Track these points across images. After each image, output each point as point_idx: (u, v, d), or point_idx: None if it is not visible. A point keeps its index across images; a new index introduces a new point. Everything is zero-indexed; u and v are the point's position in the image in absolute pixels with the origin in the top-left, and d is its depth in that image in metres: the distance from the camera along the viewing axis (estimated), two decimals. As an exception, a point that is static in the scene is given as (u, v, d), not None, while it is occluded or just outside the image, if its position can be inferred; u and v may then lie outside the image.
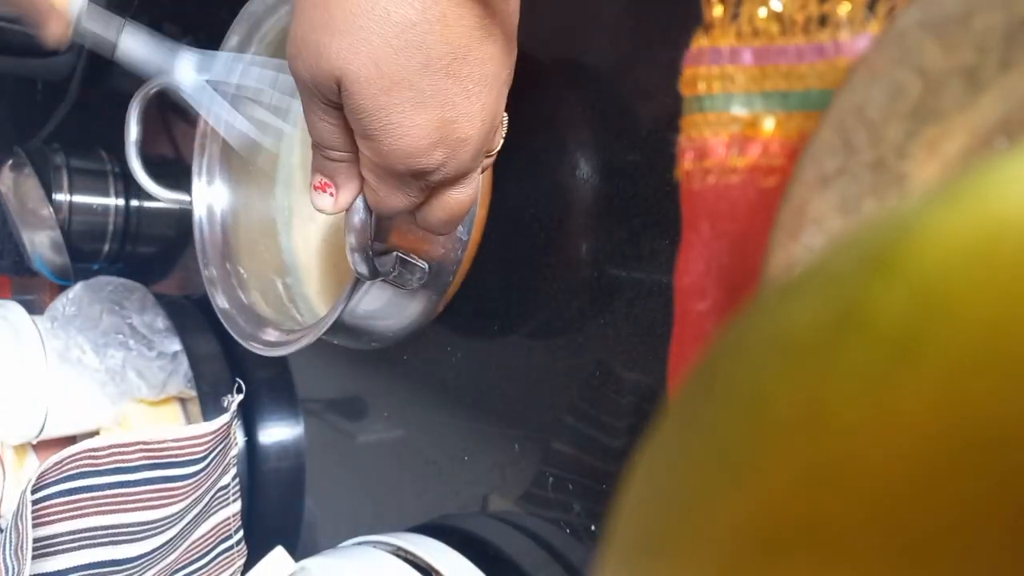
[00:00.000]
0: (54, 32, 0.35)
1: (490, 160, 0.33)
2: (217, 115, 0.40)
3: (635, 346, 0.36)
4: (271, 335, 0.46)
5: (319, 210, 0.32)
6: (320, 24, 0.26)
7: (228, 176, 0.53)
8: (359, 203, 0.32)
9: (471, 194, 0.32)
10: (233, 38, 0.48)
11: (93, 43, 0.35)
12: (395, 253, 0.38)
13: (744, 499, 0.10)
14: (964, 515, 0.09)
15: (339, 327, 0.40)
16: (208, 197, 0.53)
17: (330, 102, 0.28)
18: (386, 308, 0.42)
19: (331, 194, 0.31)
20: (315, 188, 0.32)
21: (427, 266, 0.40)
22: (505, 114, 0.31)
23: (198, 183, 0.53)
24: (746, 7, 0.23)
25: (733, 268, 0.23)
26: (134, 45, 0.35)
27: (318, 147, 0.30)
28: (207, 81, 0.38)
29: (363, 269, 0.35)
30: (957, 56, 0.18)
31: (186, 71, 0.37)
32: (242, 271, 0.51)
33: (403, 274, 0.39)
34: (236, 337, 0.47)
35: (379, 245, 0.36)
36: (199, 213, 0.52)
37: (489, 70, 0.27)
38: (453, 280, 0.42)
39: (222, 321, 0.49)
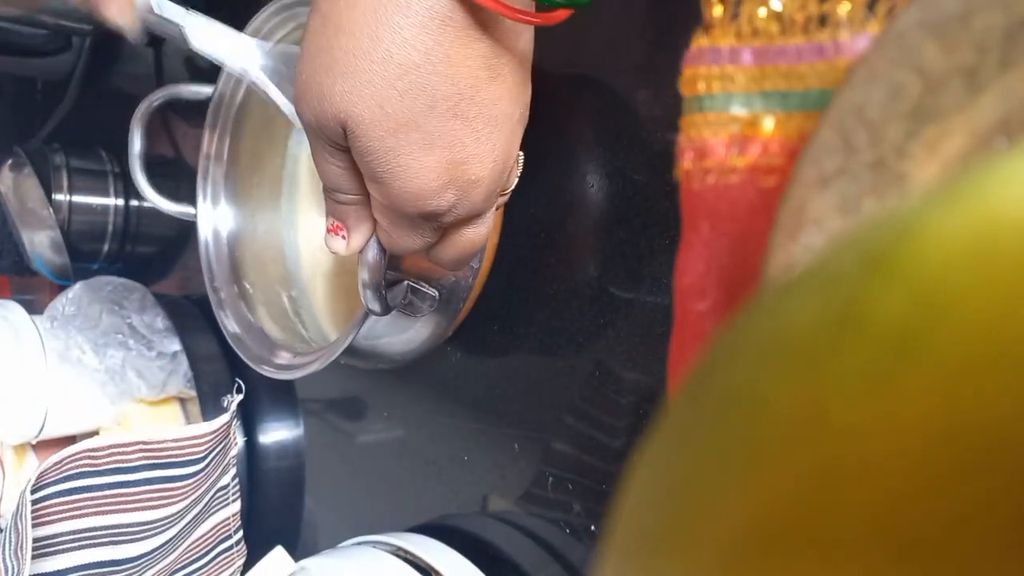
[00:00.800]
0: (119, 17, 0.34)
1: (504, 199, 0.32)
2: (286, 95, 0.40)
3: (635, 346, 0.36)
4: (282, 358, 0.46)
5: (333, 252, 0.32)
6: (323, 67, 0.26)
7: (233, 192, 0.53)
8: (373, 241, 0.32)
9: (484, 233, 0.31)
10: (258, 23, 0.47)
11: (161, 31, 0.34)
12: (406, 282, 0.38)
13: (744, 500, 0.10)
14: (965, 516, 0.09)
15: (348, 351, 0.40)
16: (213, 216, 0.53)
17: (337, 145, 0.28)
18: (395, 335, 0.42)
19: (343, 236, 0.31)
20: (328, 231, 0.32)
21: (438, 294, 0.39)
22: (521, 152, 0.30)
23: (203, 204, 0.52)
24: (746, 7, 0.23)
25: (733, 268, 0.23)
26: (202, 33, 0.35)
27: (328, 190, 0.30)
28: (270, 65, 0.37)
29: (375, 306, 0.35)
30: (957, 56, 0.18)
31: (255, 55, 0.37)
32: (248, 287, 0.51)
33: (414, 303, 0.39)
34: (247, 361, 0.47)
35: (391, 274, 0.36)
36: (204, 234, 0.52)
37: (499, 111, 0.27)
38: (463, 307, 0.42)
39: (232, 345, 0.49)
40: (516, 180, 0.31)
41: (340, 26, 0.25)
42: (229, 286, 0.51)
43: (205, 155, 0.52)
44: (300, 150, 0.53)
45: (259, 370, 0.46)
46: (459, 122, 0.26)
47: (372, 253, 0.32)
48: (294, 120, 0.38)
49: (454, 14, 0.24)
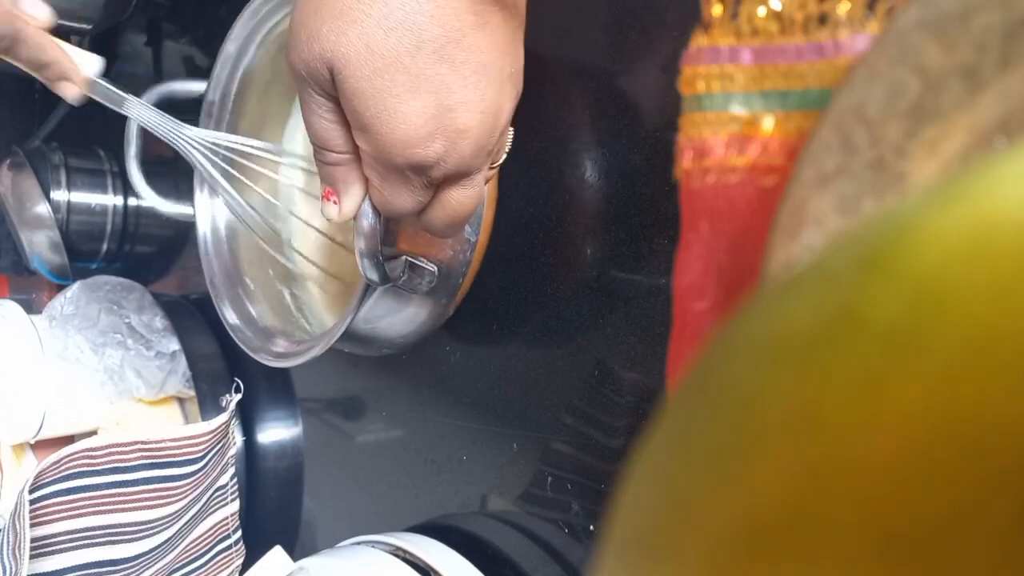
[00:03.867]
0: (71, 92, 0.39)
1: (493, 172, 0.32)
2: (215, 182, 0.43)
3: (634, 346, 0.36)
4: (280, 346, 0.46)
5: (327, 219, 0.32)
6: (312, 10, 0.26)
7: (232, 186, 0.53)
8: (367, 207, 0.32)
9: (475, 196, 0.31)
10: (230, 45, 0.48)
11: (104, 100, 0.40)
12: (404, 257, 0.38)
13: (737, 498, 0.10)
14: (958, 515, 0.08)
15: (349, 335, 0.40)
16: (211, 212, 0.52)
17: (325, 93, 0.28)
18: (395, 314, 0.42)
19: (335, 202, 0.31)
20: (323, 198, 0.32)
21: (436, 269, 0.39)
22: (511, 127, 0.30)
23: (200, 197, 0.52)
24: (745, 6, 0.23)
25: (732, 267, 0.23)
26: (138, 112, 0.40)
27: (318, 149, 0.30)
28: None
29: (373, 275, 0.35)
30: (956, 55, 0.18)
31: (187, 135, 0.42)
32: (248, 282, 0.51)
33: (412, 278, 0.39)
34: (246, 350, 0.47)
35: (388, 250, 0.36)
36: (203, 229, 0.52)
37: (487, 59, 0.27)
38: (462, 283, 0.42)
39: (231, 335, 0.49)
40: (505, 153, 0.31)
41: None
42: (227, 280, 0.51)
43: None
44: (295, 147, 0.53)
45: (258, 358, 0.46)
46: (446, 66, 0.26)
47: (367, 220, 0.32)
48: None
49: None
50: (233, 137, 0.43)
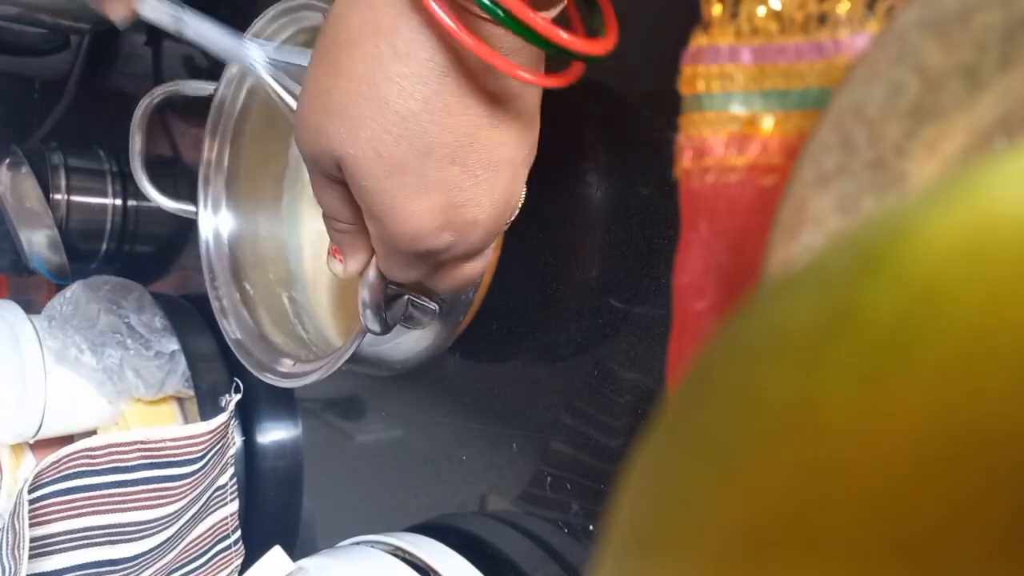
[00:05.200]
0: (118, 11, 0.35)
1: (504, 228, 0.32)
2: (286, 87, 0.40)
3: (633, 346, 0.36)
4: (285, 366, 0.46)
5: (332, 273, 0.32)
6: (321, 107, 0.25)
7: (234, 192, 0.52)
8: (373, 263, 0.32)
9: (482, 267, 0.31)
10: (259, 27, 0.47)
11: (157, 22, 0.35)
12: (406, 297, 0.38)
13: (736, 498, 0.10)
14: (956, 515, 0.08)
15: (352, 357, 0.40)
16: (214, 216, 0.52)
17: (333, 178, 0.27)
18: (398, 341, 0.42)
19: (341, 260, 0.32)
20: (329, 253, 0.32)
21: (438, 308, 0.39)
22: (524, 188, 0.30)
23: (203, 203, 0.52)
24: (745, 6, 0.23)
25: (732, 267, 0.23)
26: (197, 27, 0.36)
27: (326, 217, 0.30)
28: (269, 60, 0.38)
29: (375, 327, 0.35)
30: (956, 55, 0.18)
31: (250, 50, 0.38)
32: (248, 288, 0.51)
33: (414, 316, 0.39)
34: (251, 369, 0.47)
35: (391, 289, 0.36)
36: (205, 233, 0.52)
37: (500, 155, 0.26)
38: (464, 319, 0.42)
39: (235, 352, 0.49)
40: (515, 214, 0.31)
41: (340, 68, 0.24)
42: (230, 287, 0.51)
43: (206, 160, 0.52)
44: (301, 168, 0.53)
45: (262, 378, 0.46)
46: (456, 168, 0.26)
47: (372, 275, 0.32)
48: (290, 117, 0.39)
49: (456, 66, 0.24)
50: (298, 50, 0.40)
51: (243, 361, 0.48)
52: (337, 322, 0.51)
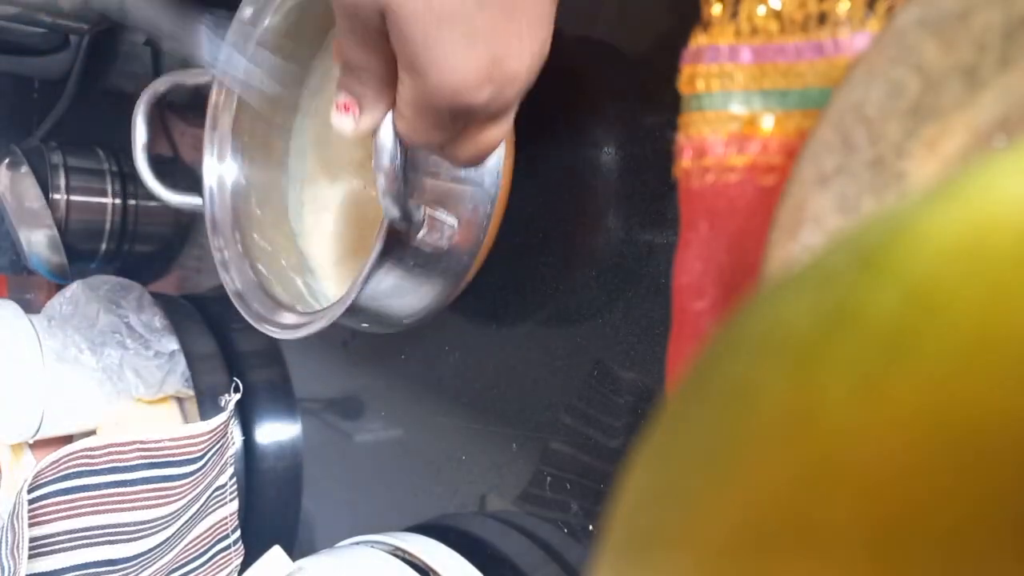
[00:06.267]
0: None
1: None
2: (234, 71, 0.40)
3: (633, 345, 0.36)
4: (287, 318, 0.45)
5: (338, 131, 0.30)
6: None
7: (239, 144, 0.52)
8: (386, 142, 0.30)
9: (505, 131, 0.30)
10: (247, 8, 0.47)
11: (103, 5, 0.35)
12: (423, 206, 0.37)
13: (735, 498, 0.10)
14: (955, 515, 0.08)
15: (355, 310, 0.39)
16: (219, 167, 0.51)
17: (370, 28, 0.26)
18: (402, 293, 0.41)
19: (354, 114, 0.29)
20: (337, 107, 0.29)
21: (456, 222, 0.38)
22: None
23: (209, 156, 0.51)
24: (745, 5, 0.23)
25: (731, 267, 0.23)
26: (142, 5, 0.35)
27: (348, 71, 0.28)
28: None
29: (395, 212, 0.33)
30: (956, 54, 0.18)
31: (201, 34, 0.37)
32: (253, 239, 0.49)
33: (432, 232, 0.37)
34: (250, 320, 0.46)
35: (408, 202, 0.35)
36: (209, 182, 0.51)
37: (544, 10, 0.27)
38: (474, 263, 0.40)
39: (235, 303, 0.47)
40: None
41: None
42: (232, 242, 0.50)
43: (213, 103, 0.51)
44: (305, 120, 0.52)
45: (262, 330, 0.45)
46: (506, 20, 0.25)
47: (387, 156, 0.30)
48: (245, 96, 0.38)
49: None
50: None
51: (243, 313, 0.47)
52: (338, 275, 0.51)
